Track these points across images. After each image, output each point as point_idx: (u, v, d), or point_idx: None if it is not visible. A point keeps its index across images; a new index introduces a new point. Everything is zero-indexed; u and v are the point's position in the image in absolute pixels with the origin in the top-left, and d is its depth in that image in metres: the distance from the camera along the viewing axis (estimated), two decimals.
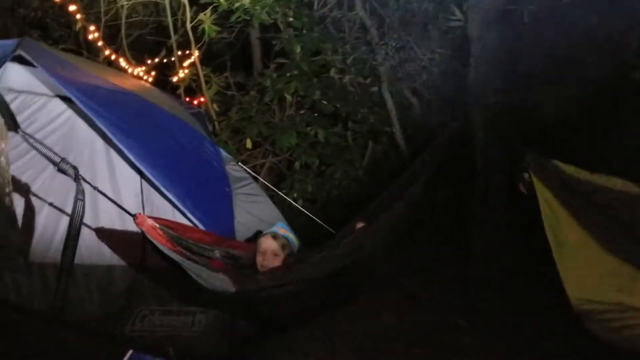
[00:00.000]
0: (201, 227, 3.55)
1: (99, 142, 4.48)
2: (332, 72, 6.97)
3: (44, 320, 1.37)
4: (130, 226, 4.10)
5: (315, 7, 7.16)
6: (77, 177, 2.64)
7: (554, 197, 3.08)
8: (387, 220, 3.56)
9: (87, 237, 4.14)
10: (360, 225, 3.55)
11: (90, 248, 4.21)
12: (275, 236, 3.58)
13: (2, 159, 2.41)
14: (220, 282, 3.06)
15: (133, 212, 3.20)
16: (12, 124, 2.54)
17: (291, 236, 3.68)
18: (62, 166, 2.67)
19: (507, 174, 5.00)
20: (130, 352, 1.14)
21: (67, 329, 1.30)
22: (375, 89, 7.11)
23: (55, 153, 2.67)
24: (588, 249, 3.03)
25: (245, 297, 3.22)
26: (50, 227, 4.27)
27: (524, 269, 5.06)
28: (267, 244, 3.55)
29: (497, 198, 5.17)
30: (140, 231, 3.50)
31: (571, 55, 5.45)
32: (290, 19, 6.93)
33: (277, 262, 3.50)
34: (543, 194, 3.06)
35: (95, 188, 2.97)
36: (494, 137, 5.10)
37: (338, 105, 6.82)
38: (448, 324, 4.27)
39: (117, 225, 4.28)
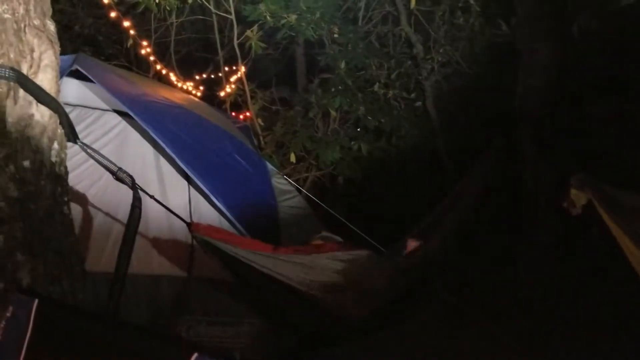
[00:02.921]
0: (248, 236, 3.59)
1: (150, 155, 4.58)
2: (377, 87, 6.98)
3: (104, 321, 1.40)
4: (179, 236, 4.21)
5: (360, 22, 7.19)
6: (133, 185, 2.71)
7: (609, 217, 2.97)
8: (438, 238, 3.54)
9: (136, 247, 4.19)
10: (412, 242, 3.52)
11: (139, 257, 4.26)
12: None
13: (62, 168, 2.47)
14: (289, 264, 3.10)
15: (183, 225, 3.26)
16: (71, 135, 2.61)
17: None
18: (119, 174, 2.74)
19: (557, 191, 4.88)
20: (195, 355, 1.13)
21: (128, 330, 1.31)
22: (419, 104, 7.08)
23: (112, 162, 2.74)
24: None
25: (295, 305, 3.22)
26: (102, 236, 4.36)
27: (572, 287, 4.93)
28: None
29: (547, 215, 5.04)
30: (188, 241, 3.58)
31: (623, 69, 5.32)
32: (335, 35, 6.99)
33: None
34: (604, 215, 2.95)
35: (151, 197, 3.04)
36: (543, 153, 4.98)
37: (382, 120, 6.82)
38: (499, 343, 4.18)
39: (166, 235, 4.36)
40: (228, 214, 3.65)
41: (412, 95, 7.11)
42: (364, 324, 3.52)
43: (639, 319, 4.07)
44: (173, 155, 3.57)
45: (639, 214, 2.92)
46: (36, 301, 1.42)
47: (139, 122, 3.64)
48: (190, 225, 3.10)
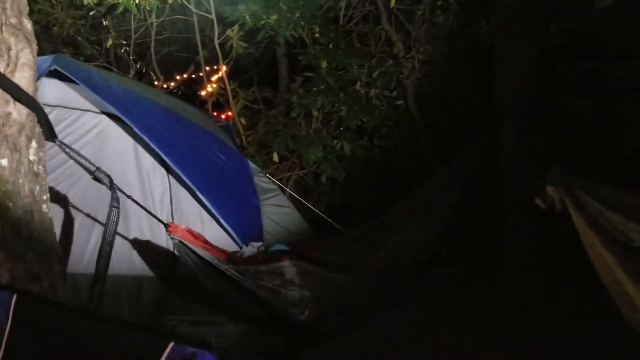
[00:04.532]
0: (232, 233, 3.59)
1: (130, 155, 4.55)
2: (358, 86, 7.00)
3: (81, 315, 1.40)
4: (160, 237, 4.19)
5: (341, 21, 7.22)
6: (111, 185, 2.70)
7: (582, 217, 2.97)
8: (418, 235, 3.56)
9: (117, 247, 4.18)
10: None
11: (121, 258, 4.25)
12: None
13: (41, 167, 2.46)
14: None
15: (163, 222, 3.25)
16: (50, 134, 2.59)
17: None
18: (97, 174, 2.73)
19: (538, 188, 4.93)
20: (171, 344, 1.14)
21: (105, 323, 1.32)
22: (401, 102, 7.11)
23: (90, 162, 2.73)
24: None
25: (277, 308, 3.23)
26: (82, 238, 4.32)
27: (556, 282, 4.98)
28: None
29: (528, 212, 5.08)
30: (169, 240, 3.56)
31: (602, 66, 5.40)
32: (316, 35, 7.01)
33: None
34: (574, 213, 2.96)
35: (129, 197, 3.03)
36: (524, 149, 5.03)
37: (364, 120, 6.85)
38: (482, 339, 4.21)
39: (147, 236, 4.34)
40: (213, 210, 3.64)
41: (394, 93, 7.14)
42: (345, 323, 3.54)
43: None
44: (159, 151, 3.57)
45: (620, 209, 2.90)
46: (15, 296, 1.41)
47: (124, 119, 3.63)
48: (167, 226, 3.09)
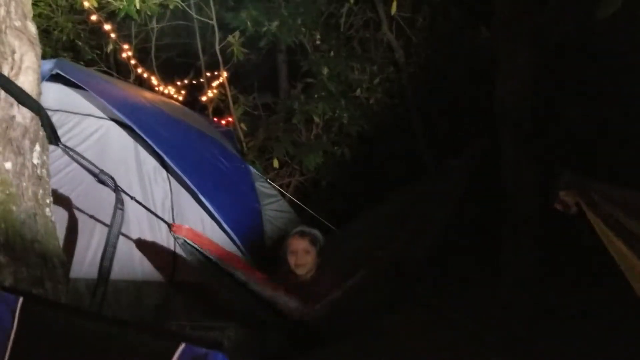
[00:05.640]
0: (235, 238, 3.59)
1: (131, 160, 4.56)
2: (359, 92, 7.02)
3: (88, 317, 1.40)
4: (161, 241, 4.19)
5: (342, 28, 7.24)
6: (116, 188, 2.69)
7: (603, 221, 2.95)
8: (418, 242, 3.57)
9: (118, 251, 4.16)
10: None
11: (122, 263, 4.23)
12: (302, 234, 3.60)
13: (44, 170, 2.45)
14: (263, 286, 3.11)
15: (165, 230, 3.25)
16: (53, 138, 2.59)
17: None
18: (101, 177, 2.72)
19: (538, 193, 4.95)
20: (182, 345, 1.14)
21: (113, 324, 1.31)
22: (402, 108, 7.12)
23: (94, 165, 2.73)
24: None
25: (277, 312, 3.22)
26: (83, 242, 4.32)
27: (554, 287, 4.99)
28: (296, 243, 3.59)
29: (528, 217, 5.10)
30: (170, 246, 3.55)
31: (600, 74, 5.42)
32: (318, 42, 7.03)
33: (310, 259, 3.57)
34: (592, 218, 2.94)
35: (132, 198, 3.03)
36: (524, 155, 5.04)
37: (365, 126, 6.86)
38: (480, 342, 4.21)
39: (148, 240, 4.33)
40: (215, 213, 3.64)
41: (395, 99, 7.16)
42: (345, 326, 3.53)
43: (623, 319, 4.13)
44: (162, 154, 3.59)
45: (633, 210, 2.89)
46: (21, 298, 1.41)
47: (128, 123, 3.64)
48: (171, 226, 3.09)
